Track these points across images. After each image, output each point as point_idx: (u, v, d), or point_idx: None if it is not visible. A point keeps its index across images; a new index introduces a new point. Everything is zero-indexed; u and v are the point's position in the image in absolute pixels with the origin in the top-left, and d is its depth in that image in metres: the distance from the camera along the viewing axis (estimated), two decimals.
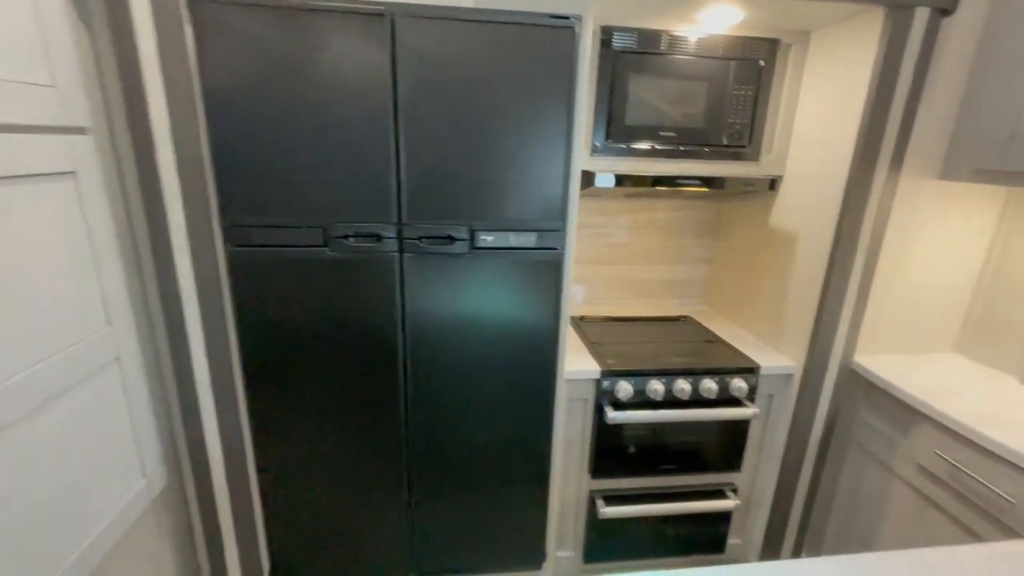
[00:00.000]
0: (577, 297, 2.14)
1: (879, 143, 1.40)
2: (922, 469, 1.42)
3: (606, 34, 1.51)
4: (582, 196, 1.97)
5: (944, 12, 1.33)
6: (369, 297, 1.27)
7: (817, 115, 1.57)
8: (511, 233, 1.28)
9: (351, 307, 1.27)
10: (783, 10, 1.40)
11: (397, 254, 1.25)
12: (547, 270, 1.33)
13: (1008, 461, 1.19)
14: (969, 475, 1.27)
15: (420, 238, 1.25)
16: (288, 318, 1.26)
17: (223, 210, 1.17)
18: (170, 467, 1.36)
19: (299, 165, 1.16)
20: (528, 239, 1.29)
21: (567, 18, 1.16)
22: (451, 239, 1.26)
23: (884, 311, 1.62)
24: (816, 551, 1.80)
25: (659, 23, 1.52)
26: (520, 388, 1.42)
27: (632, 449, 1.66)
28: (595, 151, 1.61)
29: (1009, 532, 1.20)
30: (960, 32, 1.36)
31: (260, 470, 1.41)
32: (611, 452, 1.65)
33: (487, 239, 1.27)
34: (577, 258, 2.07)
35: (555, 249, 1.32)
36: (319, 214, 1.20)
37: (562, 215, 1.29)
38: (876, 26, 1.36)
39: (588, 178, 1.61)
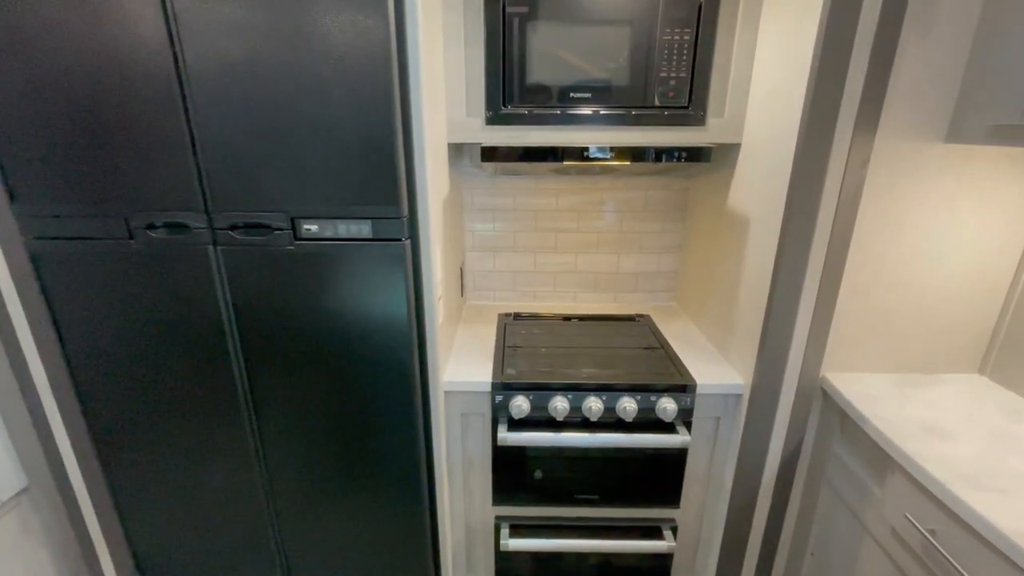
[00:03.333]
0: (536, 287, 1.88)
1: (839, 92, 1.03)
2: (895, 534, 1.06)
3: None
4: (504, 176, 1.71)
5: None
6: (187, 293, 1.12)
7: (776, 66, 1.19)
8: (339, 222, 1.06)
9: (170, 304, 1.13)
10: None
11: (211, 246, 1.08)
12: (392, 265, 1.10)
13: (996, 549, 0.83)
14: (945, 557, 0.91)
15: (233, 228, 1.07)
16: (106, 315, 1.14)
17: (12, 198, 1.05)
18: (31, 470, 1.31)
19: (84, 145, 1.01)
20: (361, 228, 1.07)
21: None
22: (269, 229, 1.07)
23: (865, 317, 1.23)
24: None
25: None
26: (378, 398, 1.22)
27: (538, 475, 1.40)
28: (491, 120, 1.34)
29: None
30: None
31: (108, 474, 1.32)
32: (513, 476, 1.41)
33: (311, 229, 1.07)
34: (514, 247, 1.81)
35: (398, 240, 1.09)
36: (120, 202, 1.05)
37: (399, 200, 1.05)
38: None
39: (487, 153, 1.35)
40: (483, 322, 1.70)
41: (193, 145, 1.01)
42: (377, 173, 1.03)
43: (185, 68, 0.97)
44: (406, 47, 0.99)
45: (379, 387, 1.20)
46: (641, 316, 1.76)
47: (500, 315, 1.76)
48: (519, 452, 1.38)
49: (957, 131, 1.08)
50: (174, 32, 0.94)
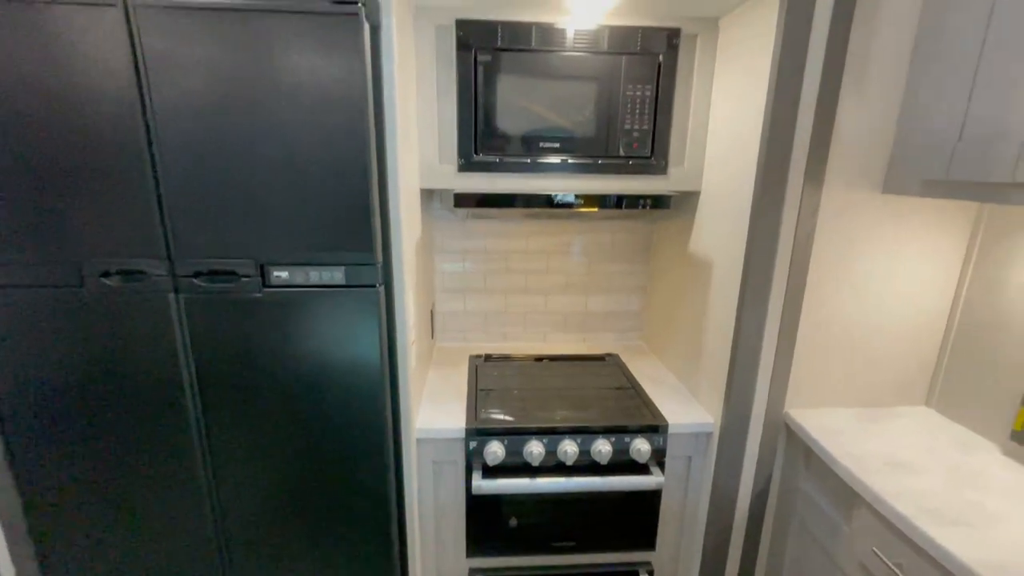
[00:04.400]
0: (507, 328, 1.87)
1: (788, 147, 1.11)
2: (864, 569, 1.09)
3: (463, 29, 1.28)
4: (476, 219, 1.74)
5: None
6: (142, 343, 1.06)
7: (731, 120, 1.29)
8: (311, 268, 1.04)
9: (121, 355, 1.06)
10: None
11: (172, 294, 1.04)
12: (364, 312, 1.08)
13: (952, 574, 0.86)
14: None
15: (197, 275, 1.03)
16: (46, 367, 1.06)
17: None
18: None
19: (33, 188, 0.96)
20: (335, 275, 1.05)
21: (354, 3, 0.93)
22: (236, 276, 1.04)
23: (824, 356, 1.30)
24: None
25: (523, 14, 1.28)
26: (348, 448, 1.17)
27: (513, 523, 1.37)
28: (464, 167, 1.37)
29: None
30: (891, 4, 1.07)
31: (40, 549, 1.20)
32: (488, 525, 1.37)
33: (281, 276, 1.04)
34: (485, 288, 1.82)
35: (372, 287, 1.07)
36: (74, 248, 1.00)
37: (373, 246, 1.05)
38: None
39: (456, 198, 1.36)
40: (454, 365, 1.68)
41: (158, 189, 0.98)
42: (352, 220, 1.02)
43: (152, 109, 0.95)
44: (382, 95, 1.01)
45: (349, 437, 1.16)
46: (610, 355, 1.78)
47: (471, 357, 1.75)
48: (494, 500, 1.34)
49: (892, 184, 1.18)
50: (142, 73, 0.93)
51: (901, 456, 1.14)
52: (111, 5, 0.90)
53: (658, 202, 1.38)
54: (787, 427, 1.33)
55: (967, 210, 1.23)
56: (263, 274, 1.04)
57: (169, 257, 1.02)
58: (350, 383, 1.12)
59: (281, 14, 0.92)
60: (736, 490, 1.33)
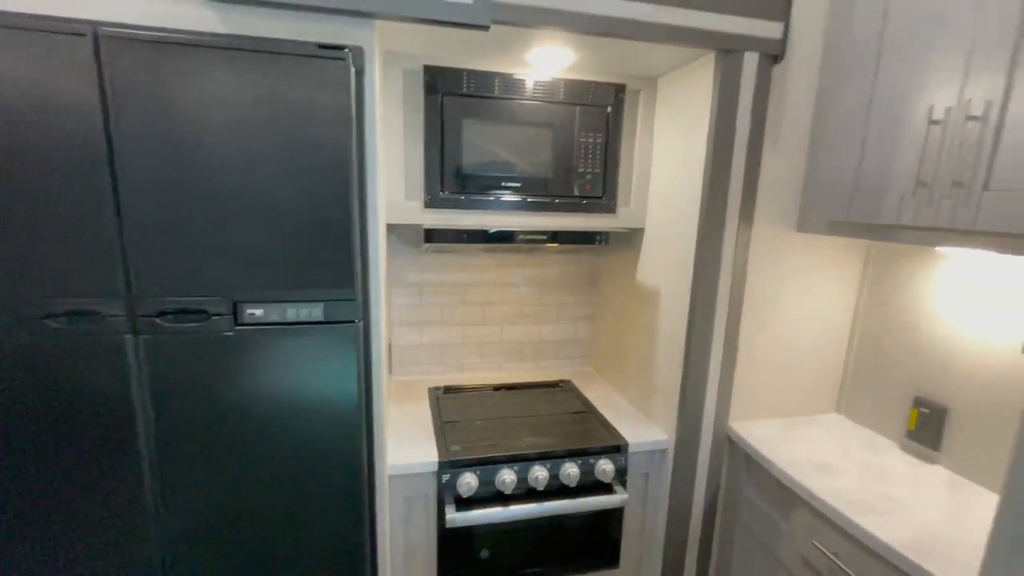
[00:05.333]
0: (445, 362, 1.89)
1: (725, 193, 1.28)
2: (806, 562, 1.23)
3: (430, 75, 1.34)
4: (436, 253, 1.78)
5: (774, 59, 1.26)
6: (89, 391, 0.96)
7: (670, 166, 1.46)
8: (288, 305, 1.02)
9: (68, 402, 0.96)
10: (611, 54, 1.30)
11: (130, 336, 0.96)
12: (343, 348, 1.07)
13: (888, 562, 1.01)
14: (844, 571, 1.08)
15: (161, 315, 0.97)
16: None
17: None
18: None
19: None
20: (313, 312, 1.04)
21: (341, 48, 0.97)
22: (206, 314, 0.99)
23: (757, 372, 1.47)
24: None
25: (487, 64, 1.38)
26: (322, 491, 1.12)
27: (484, 554, 1.37)
28: (429, 203, 1.41)
29: None
30: (795, 80, 1.29)
31: None
32: (459, 560, 1.36)
33: (256, 313, 1.01)
34: (441, 321, 1.84)
35: (351, 322, 1.07)
36: (13, 287, 0.90)
37: (354, 281, 1.05)
38: (711, 70, 1.27)
39: (425, 234, 1.40)
40: (414, 399, 1.67)
41: (120, 222, 0.92)
42: (334, 255, 1.03)
43: (117, 141, 0.90)
44: (364, 135, 1.04)
45: (324, 479, 1.12)
46: (563, 381, 1.87)
47: (430, 389, 1.75)
48: (465, 532, 1.35)
49: (803, 223, 1.39)
50: (109, 102, 0.88)
51: (823, 459, 1.32)
52: (80, 35, 0.85)
53: (607, 238, 1.51)
54: (729, 439, 1.47)
55: (860, 244, 1.48)
56: (235, 312, 1.00)
57: (129, 295, 0.95)
58: (326, 422, 1.09)
59: (268, 55, 0.93)
60: (690, 501, 1.45)
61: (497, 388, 1.79)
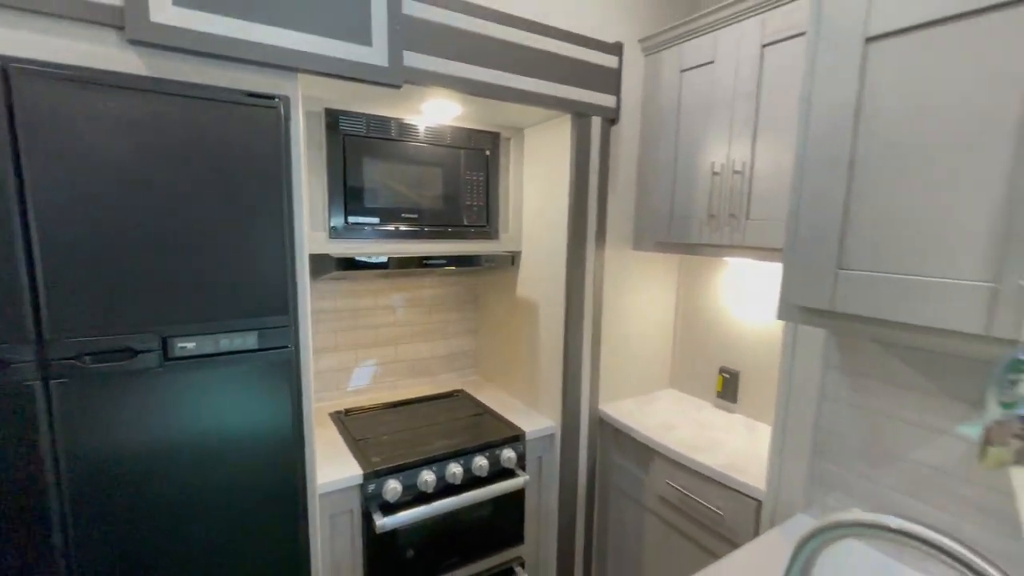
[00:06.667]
0: (348, 386, 1.93)
1: (585, 223, 1.65)
2: (662, 499, 1.61)
3: (331, 117, 1.46)
4: (330, 280, 1.84)
5: (612, 121, 1.68)
6: None
7: (539, 199, 1.79)
8: (222, 336, 1.06)
9: None
10: (491, 109, 1.58)
11: (38, 383, 0.91)
12: (278, 373, 1.13)
13: (714, 480, 1.42)
14: (692, 498, 1.48)
15: (80, 356, 0.93)
16: None
17: None
18: None
19: None
20: (247, 340, 1.09)
21: (272, 98, 1.07)
22: (132, 353, 0.98)
23: (615, 363, 1.86)
24: None
25: (385, 110, 1.55)
26: (260, 521, 1.14)
27: (410, 554, 1.49)
28: (335, 234, 1.51)
29: (723, 540, 1.41)
30: (626, 138, 1.72)
31: None
32: (388, 564, 1.46)
33: (188, 347, 1.03)
34: (336, 346, 1.89)
35: (285, 347, 1.14)
36: None
37: (287, 308, 1.13)
38: (568, 128, 1.64)
39: (330, 262, 1.49)
40: (319, 424, 1.70)
41: (30, 262, 0.88)
42: (267, 283, 1.09)
43: (28, 171, 0.87)
44: (291, 171, 1.13)
45: (267, 507, 1.14)
46: (457, 391, 2.06)
47: (331, 414, 1.79)
48: (392, 537, 1.45)
49: (638, 244, 1.84)
50: (19, 131, 0.85)
51: (666, 420, 1.74)
52: None
53: (493, 260, 1.78)
54: (600, 419, 1.83)
55: (674, 258, 1.98)
56: (165, 347, 1.00)
57: (39, 339, 0.90)
58: (262, 450, 1.12)
59: (199, 100, 0.99)
60: (576, 474, 1.76)
61: (397, 404, 1.90)
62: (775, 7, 1.33)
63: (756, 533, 1.33)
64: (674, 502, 1.56)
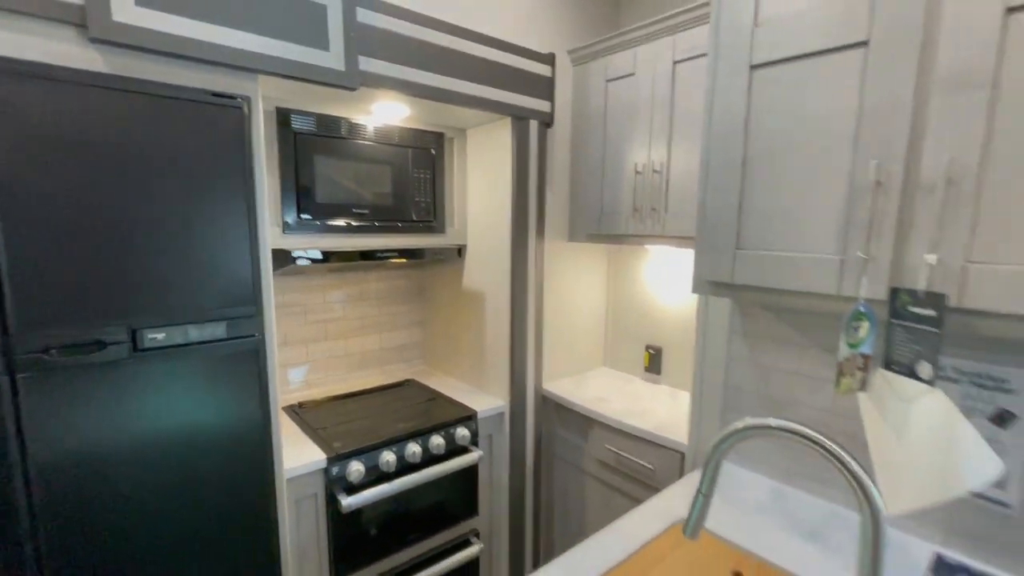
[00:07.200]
0: (296, 381, 1.96)
1: (526, 217, 1.81)
2: (601, 463, 1.81)
3: (282, 115, 1.51)
4: (281, 275, 1.87)
5: (548, 125, 1.85)
6: None
7: (482, 196, 1.92)
8: (191, 327, 1.09)
9: None
10: (437, 110, 1.69)
11: (4, 377, 0.91)
12: (246, 361, 1.18)
13: (645, 440, 1.63)
14: (627, 457, 1.68)
15: (48, 349, 0.94)
16: None
17: None
18: None
19: None
20: (216, 330, 1.13)
21: (234, 98, 1.12)
22: (101, 345, 1.00)
23: (556, 345, 2.04)
24: (551, 558, 2.04)
25: (335, 110, 1.62)
26: (233, 508, 1.19)
27: (374, 531, 1.57)
28: (288, 229, 1.55)
29: (654, 491, 1.62)
30: (560, 140, 1.90)
31: None
32: (353, 543, 1.53)
33: (157, 338, 1.06)
34: (286, 340, 1.91)
35: (253, 336, 1.19)
36: None
37: (255, 299, 1.18)
38: (508, 130, 1.78)
39: (283, 257, 1.54)
40: None
41: None
42: (235, 273, 1.14)
43: None
44: (253, 167, 1.18)
45: (239, 494, 1.18)
46: (407, 380, 2.15)
47: (284, 408, 1.81)
48: (356, 516, 1.52)
49: (572, 236, 2.03)
50: None
51: (602, 394, 1.95)
52: None
53: (439, 253, 1.89)
54: (544, 397, 2.00)
55: (604, 248, 2.20)
56: (134, 339, 1.03)
57: (5, 333, 0.90)
58: (234, 437, 1.17)
59: (171, 100, 1.02)
60: (524, 449, 1.91)
61: (349, 396, 1.96)
62: (683, 30, 1.56)
63: None
64: (612, 463, 1.76)
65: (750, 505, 1.23)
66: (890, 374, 0.88)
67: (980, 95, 0.76)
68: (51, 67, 0.93)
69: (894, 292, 0.85)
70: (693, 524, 0.77)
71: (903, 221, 0.84)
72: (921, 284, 0.82)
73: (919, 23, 0.80)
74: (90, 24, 0.95)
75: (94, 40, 0.96)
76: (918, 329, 0.83)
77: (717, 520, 1.17)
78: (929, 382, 0.83)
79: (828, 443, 0.63)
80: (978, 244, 0.78)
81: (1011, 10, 0.73)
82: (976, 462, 0.82)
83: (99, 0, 0.95)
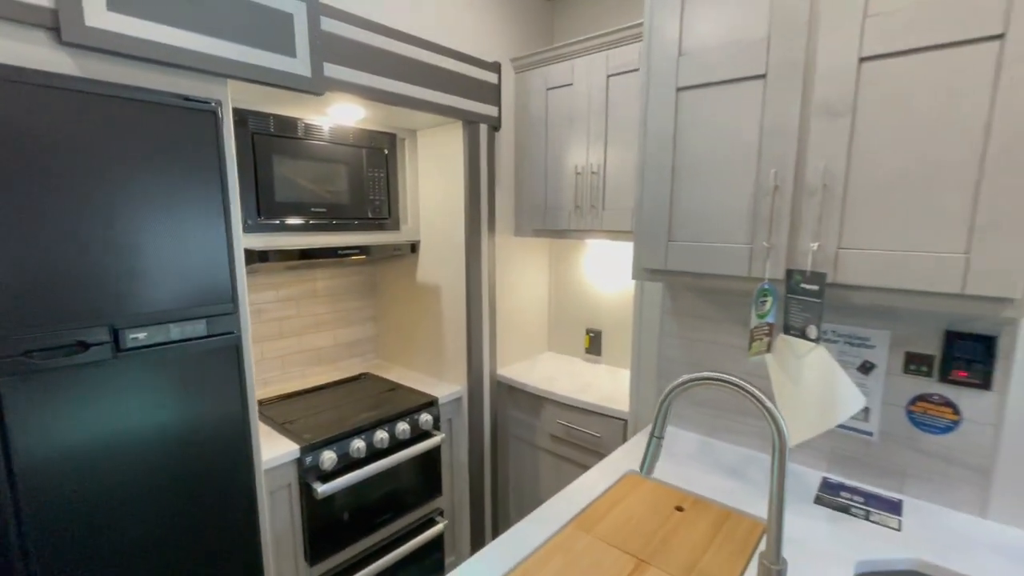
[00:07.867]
0: (267, 373, 1.95)
1: (479, 214, 1.94)
2: (553, 437, 2.00)
3: (240, 116, 1.52)
4: None
5: (495, 128, 1.99)
6: None
7: (435, 194, 2.03)
8: (172, 325, 1.12)
9: None
10: (390, 113, 1.77)
11: None
12: (226, 357, 1.22)
13: (591, 411, 1.84)
14: (576, 429, 1.88)
15: (29, 352, 0.95)
16: None
17: None
18: None
19: None
20: (197, 328, 1.16)
21: (208, 102, 1.15)
22: (83, 346, 1.01)
23: (507, 333, 2.19)
24: (507, 527, 2.21)
25: (291, 111, 1.65)
26: (217, 502, 1.22)
27: (346, 516, 1.65)
28: (248, 228, 1.57)
29: (601, 456, 1.84)
30: (506, 142, 2.05)
31: None
32: (326, 529, 1.60)
33: (139, 337, 1.08)
34: None
35: (231, 333, 1.23)
36: None
37: (233, 296, 1.22)
38: (457, 133, 1.90)
39: (246, 256, 1.56)
40: None
41: None
42: (213, 271, 1.18)
43: None
44: (225, 167, 1.22)
45: (217, 489, 1.22)
46: (363, 374, 2.21)
47: None
48: (329, 503, 1.59)
49: (519, 231, 2.19)
50: None
51: (550, 375, 2.14)
52: None
53: (396, 249, 1.98)
54: (498, 381, 2.15)
55: (547, 242, 2.38)
56: (117, 339, 1.05)
57: None
58: (216, 433, 1.20)
59: (141, 103, 1.05)
60: (482, 431, 2.06)
61: (308, 391, 1.99)
62: (616, 47, 1.77)
63: None
64: (562, 436, 1.95)
65: (685, 456, 1.46)
66: (788, 337, 1.12)
67: (844, 121, 1.00)
68: (23, 70, 0.93)
69: (789, 273, 1.09)
70: (648, 463, 0.95)
71: (795, 217, 1.08)
72: (808, 266, 1.07)
73: (801, 63, 1.04)
74: (63, 28, 0.95)
75: (67, 44, 0.97)
76: (807, 301, 1.07)
77: (661, 470, 1.38)
78: (816, 341, 1.07)
79: (749, 387, 0.84)
80: (846, 234, 1.03)
81: (863, 59, 0.97)
82: (848, 400, 1.08)
83: (71, 4, 0.96)
